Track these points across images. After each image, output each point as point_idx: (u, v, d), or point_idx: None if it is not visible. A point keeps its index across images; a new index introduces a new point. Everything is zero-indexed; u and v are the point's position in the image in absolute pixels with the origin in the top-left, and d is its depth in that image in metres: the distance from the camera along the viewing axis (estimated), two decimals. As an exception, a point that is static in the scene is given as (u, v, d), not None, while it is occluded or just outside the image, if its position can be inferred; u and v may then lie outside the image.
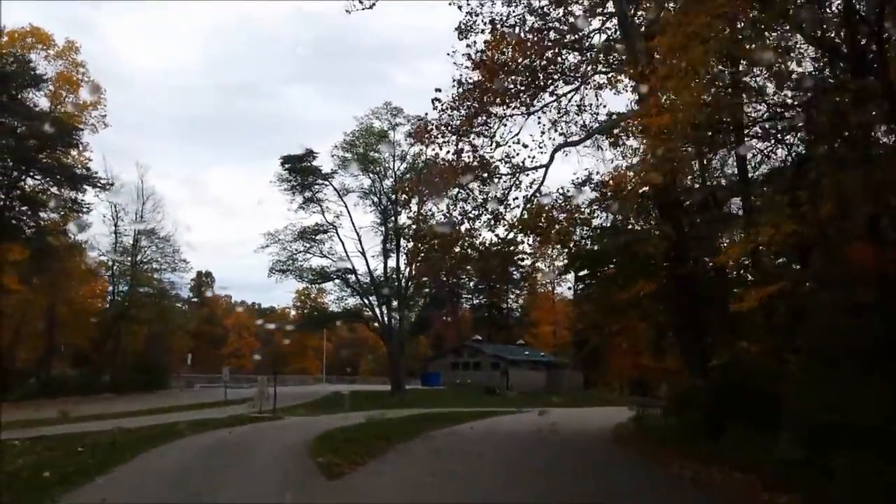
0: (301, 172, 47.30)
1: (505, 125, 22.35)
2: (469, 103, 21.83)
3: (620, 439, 25.71)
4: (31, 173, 44.80)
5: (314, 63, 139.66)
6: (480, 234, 26.70)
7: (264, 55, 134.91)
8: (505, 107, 21.64)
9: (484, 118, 21.79)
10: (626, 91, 24.76)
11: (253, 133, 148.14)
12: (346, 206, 49.12)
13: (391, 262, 50.17)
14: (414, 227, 25.75)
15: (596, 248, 24.40)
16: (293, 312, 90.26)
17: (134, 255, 54.43)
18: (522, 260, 29.24)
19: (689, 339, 21.56)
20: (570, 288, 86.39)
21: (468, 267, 26.28)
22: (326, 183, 48.14)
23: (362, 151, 46.80)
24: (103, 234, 53.24)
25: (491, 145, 22.01)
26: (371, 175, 48.92)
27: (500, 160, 24.89)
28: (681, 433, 22.30)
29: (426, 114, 22.48)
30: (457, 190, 25.47)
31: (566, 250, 25.79)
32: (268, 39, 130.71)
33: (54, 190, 44.79)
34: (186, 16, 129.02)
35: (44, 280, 45.94)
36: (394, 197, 47.81)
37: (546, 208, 22.91)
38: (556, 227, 23.03)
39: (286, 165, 47.30)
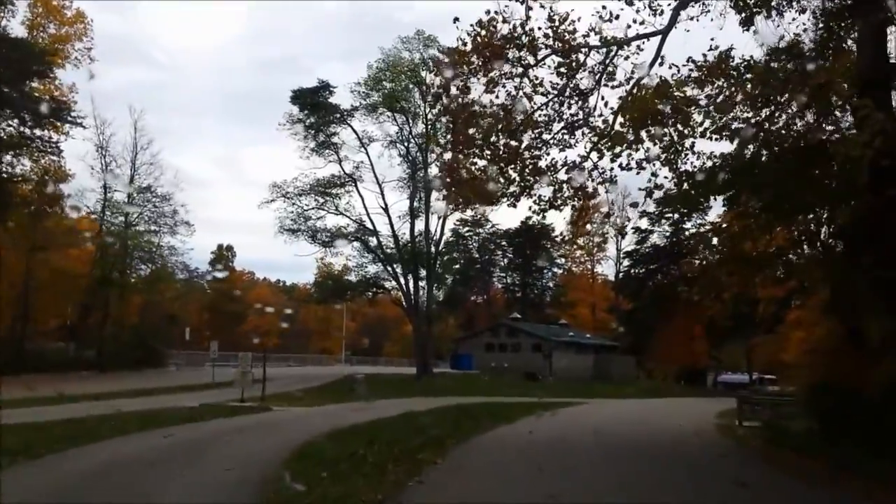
0: (314, 109, 38.51)
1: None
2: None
3: (759, 454, 16.96)
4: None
5: (354, 39, 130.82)
6: (548, 154, 18.10)
7: (304, 32, 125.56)
8: None
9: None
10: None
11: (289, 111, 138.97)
12: (366, 153, 40.27)
13: (419, 225, 41.40)
14: (452, 123, 16.64)
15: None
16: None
17: (126, 215, 46.23)
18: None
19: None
20: (618, 261, 78.30)
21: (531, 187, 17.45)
22: (344, 124, 39.35)
23: (389, 87, 37.77)
24: (92, 191, 45.14)
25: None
26: (398, 118, 39.99)
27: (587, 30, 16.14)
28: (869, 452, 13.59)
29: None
30: (519, 78, 16.66)
31: (674, 172, 16.78)
32: (308, 15, 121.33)
33: (20, 128, 36.43)
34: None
35: (12, 236, 38.06)
36: (424, 143, 38.92)
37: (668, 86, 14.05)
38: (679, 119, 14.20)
39: (297, 101, 38.52)
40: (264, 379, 24.20)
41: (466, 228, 75.89)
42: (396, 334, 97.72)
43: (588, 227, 19.77)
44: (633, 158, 17.08)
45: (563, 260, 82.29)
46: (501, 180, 17.85)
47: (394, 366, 66.92)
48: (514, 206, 18.95)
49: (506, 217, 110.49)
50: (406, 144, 40.78)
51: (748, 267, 17.32)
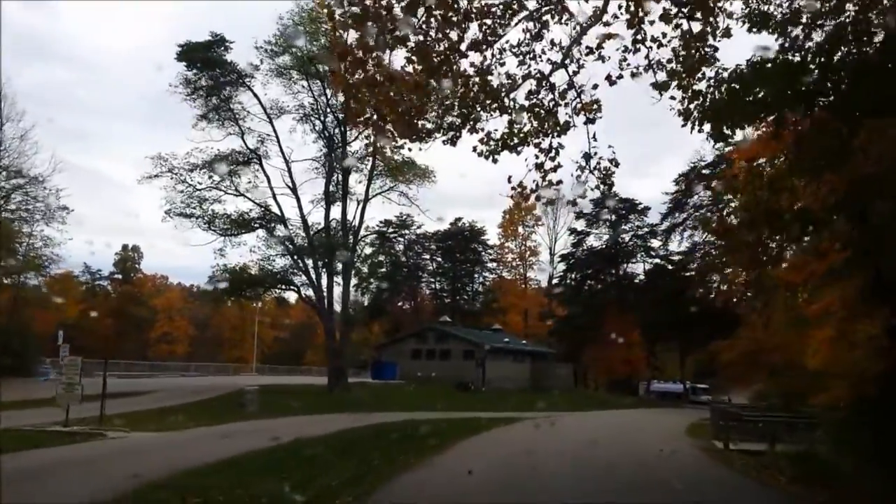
0: (205, 66, 31.50)
1: None
2: None
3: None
4: None
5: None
6: (503, 64, 12.25)
7: (234, 34, 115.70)
8: None
9: None
10: None
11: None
12: (271, 123, 33.22)
13: (336, 213, 34.59)
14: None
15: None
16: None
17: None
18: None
19: None
20: (552, 265, 73.30)
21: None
22: (243, 87, 32.28)
23: (305, 48, 31.01)
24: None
25: None
26: (314, 87, 33.17)
27: None
28: None
29: None
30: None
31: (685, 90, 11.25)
32: (240, 17, 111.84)
33: None
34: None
35: None
36: (343, 116, 32.52)
37: None
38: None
39: (185, 58, 31.18)
40: (104, 395, 17.33)
41: (391, 230, 69.39)
42: (319, 341, 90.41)
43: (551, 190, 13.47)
44: (628, 64, 11.46)
45: (494, 264, 77.03)
46: (433, 100, 11.86)
47: (313, 375, 59.84)
48: (454, 143, 12.88)
49: (434, 216, 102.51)
50: (322, 118, 34.28)
51: (788, 227, 11.71)
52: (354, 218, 34.75)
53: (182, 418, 20.20)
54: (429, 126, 12.67)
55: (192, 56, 30.89)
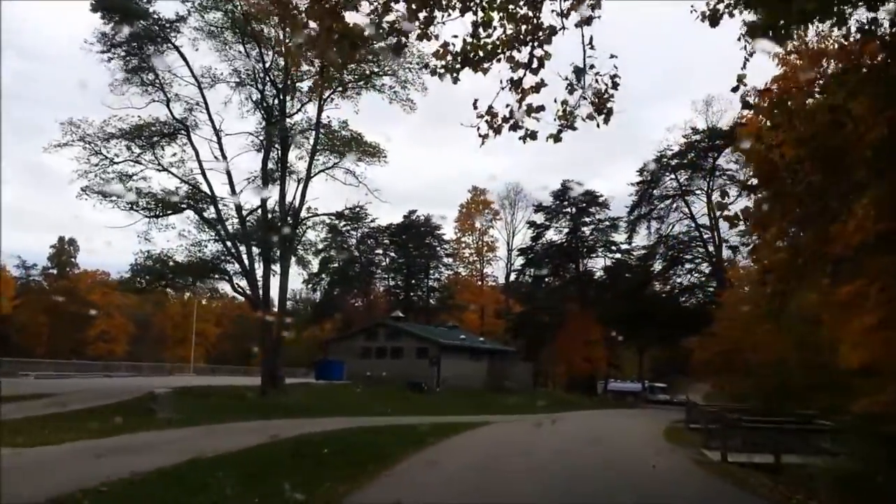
0: (124, 18, 26.85)
1: None
2: None
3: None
4: None
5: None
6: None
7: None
8: None
9: None
10: None
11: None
12: (198, 86, 28.86)
13: (275, 194, 30.53)
14: None
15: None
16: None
17: None
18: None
19: None
20: (510, 261, 70.33)
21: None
22: (168, 44, 27.98)
23: (237, 5, 27.02)
24: None
25: None
26: (251, 51, 29.00)
27: None
28: None
29: None
30: None
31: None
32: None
33: None
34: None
35: None
36: (287, 82, 28.57)
37: None
38: None
39: (100, 7, 26.54)
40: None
41: (343, 223, 65.14)
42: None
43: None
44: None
45: (450, 260, 73.67)
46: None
47: (256, 376, 55.49)
48: (398, 51, 9.44)
49: (384, 198, 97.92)
50: (261, 87, 30.25)
51: (851, 171, 8.45)
52: (295, 199, 30.83)
53: (65, 428, 16.18)
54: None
55: (110, 5, 26.50)
